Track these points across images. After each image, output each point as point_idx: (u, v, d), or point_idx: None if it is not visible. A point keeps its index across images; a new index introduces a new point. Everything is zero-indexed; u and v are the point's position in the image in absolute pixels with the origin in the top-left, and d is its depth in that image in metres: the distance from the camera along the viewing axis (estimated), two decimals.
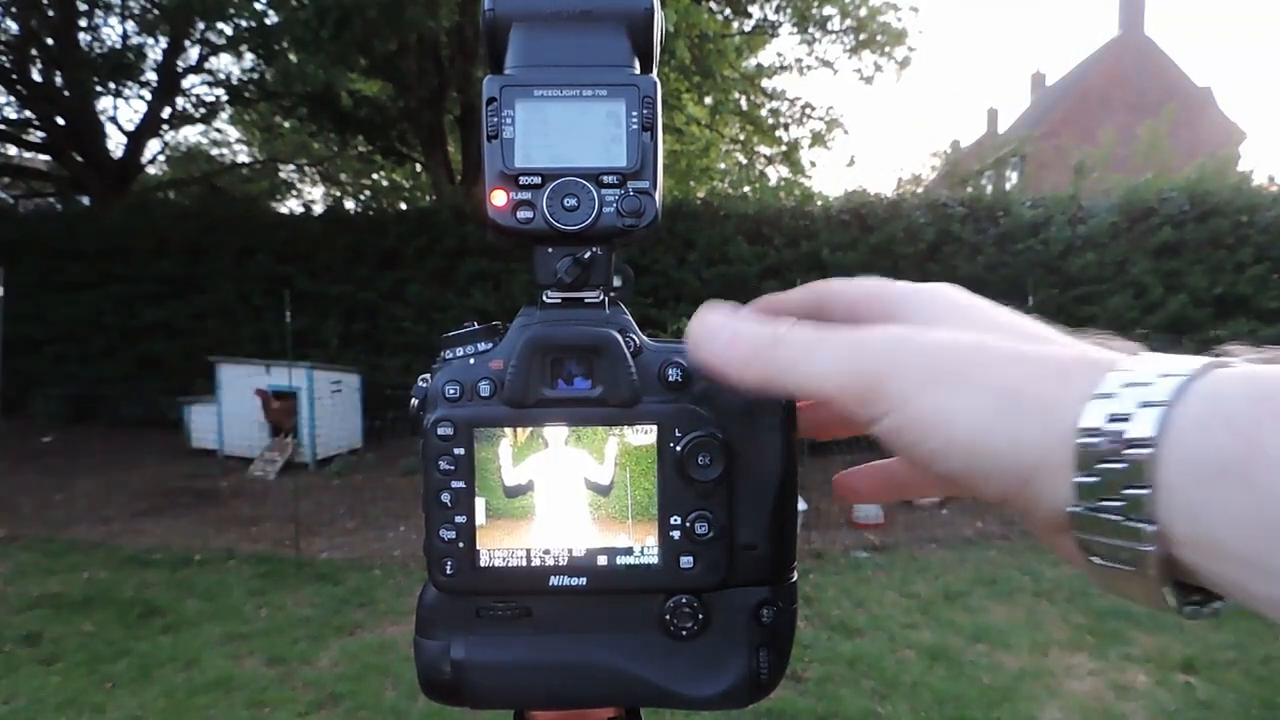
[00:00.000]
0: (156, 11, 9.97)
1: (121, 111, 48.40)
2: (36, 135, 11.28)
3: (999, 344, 0.30)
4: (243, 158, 16.87)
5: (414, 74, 9.45)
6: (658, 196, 0.39)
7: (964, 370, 0.29)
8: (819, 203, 8.34)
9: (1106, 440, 0.26)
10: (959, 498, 5.86)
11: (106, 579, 4.34)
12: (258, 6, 8.37)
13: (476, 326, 0.40)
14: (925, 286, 0.36)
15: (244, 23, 8.86)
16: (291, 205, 16.56)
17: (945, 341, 0.31)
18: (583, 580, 0.39)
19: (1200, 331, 7.16)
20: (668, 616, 0.39)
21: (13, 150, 12.96)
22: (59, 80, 10.58)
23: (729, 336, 0.35)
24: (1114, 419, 0.26)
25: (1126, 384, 0.27)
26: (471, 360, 0.39)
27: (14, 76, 10.27)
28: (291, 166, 15.96)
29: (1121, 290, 7.47)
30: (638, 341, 0.39)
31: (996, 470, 0.28)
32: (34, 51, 10.45)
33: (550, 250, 0.39)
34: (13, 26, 10.07)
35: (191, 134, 16.38)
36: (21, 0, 9.51)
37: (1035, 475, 0.28)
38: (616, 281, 0.41)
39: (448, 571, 0.38)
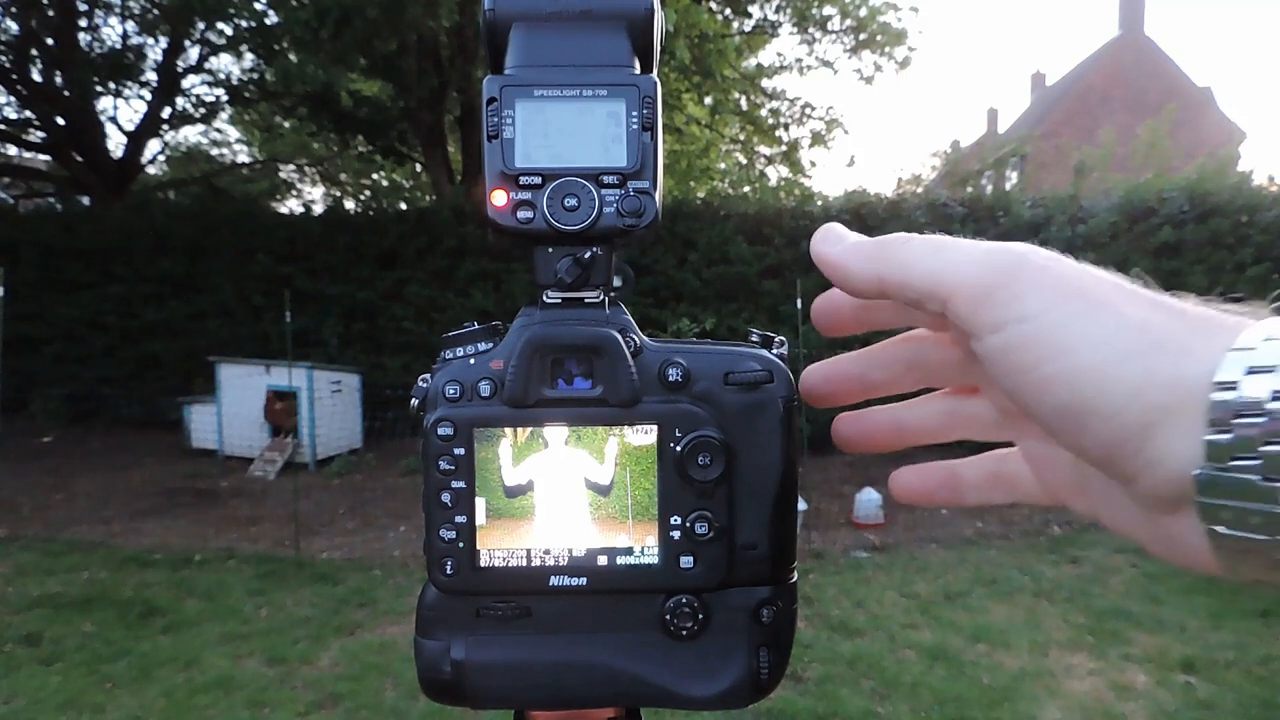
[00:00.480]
0: (156, 11, 9.96)
1: (121, 111, 48.46)
2: (36, 135, 11.28)
3: (1137, 290, 0.29)
4: (243, 158, 16.88)
5: (414, 74, 9.44)
6: (658, 196, 0.39)
7: (1099, 297, 0.28)
8: (819, 203, 8.34)
9: (1246, 386, 0.24)
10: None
11: (106, 579, 4.33)
12: (258, 6, 8.37)
13: (476, 326, 0.40)
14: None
15: (244, 23, 8.85)
16: (291, 205, 16.57)
17: (1085, 269, 0.29)
18: (583, 580, 0.39)
19: None
20: (668, 616, 0.39)
21: (13, 150, 12.96)
22: (59, 80, 10.58)
23: (855, 238, 0.35)
24: (1253, 371, 0.24)
25: (1267, 338, 0.25)
26: (472, 360, 0.39)
27: (14, 76, 10.26)
28: (291, 166, 15.96)
29: None
30: (638, 341, 0.39)
31: (1120, 408, 0.26)
32: (34, 51, 10.44)
33: (550, 250, 0.39)
34: (13, 26, 10.06)
35: (191, 134, 16.38)
36: (21, 0, 9.51)
37: (1161, 422, 0.26)
38: (617, 281, 0.41)
39: (448, 571, 0.39)
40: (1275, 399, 0.24)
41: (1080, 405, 0.27)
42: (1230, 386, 0.24)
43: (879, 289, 0.33)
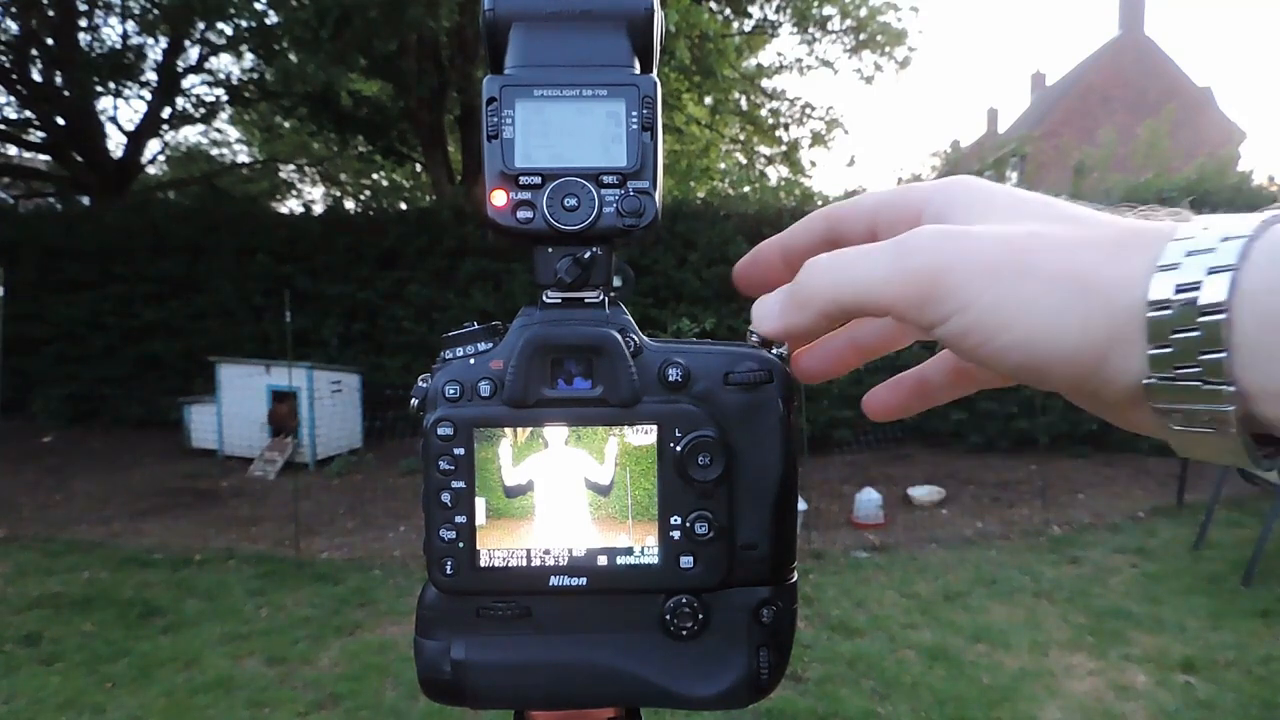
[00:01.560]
0: (156, 11, 9.96)
1: (121, 111, 48.51)
2: (36, 135, 11.28)
3: (1049, 230, 0.30)
4: (243, 158, 16.90)
5: (414, 74, 9.44)
6: (658, 196, 0.39)
7: (1021, 262, 0.29)
8: (819, 203, 8.34)
9: (1177, 309, 0.26)
10: (963, 493, 5.87)
11: (106, 579, 4.34)
12: (258, 6, 8.36)
13: (476, 326, 0.40)
14: (944, 182, 0.35)
15: (244, 23, 8.86)
16: (291, 205, 16.59)
17: (996, 235, 0.30)
18: (583, 580, 0.39)
19: None
20: (668, 616, 0.39)
21: (13, 150, 12.96)
22: (59, 80, 10.58)
23: (775, 297, 0.36)
24: (1181, 289, 0.26)
25: (1189, 252, 0.27)
26: (471, 360, 0.39)
27: (14, 76, 10.27)
28: (291, 166, 15.96)
29: None
30: (638, 341, 0.39)
31: (1069, 357, 0.28)
32: (34, 51, 10.45)
33: (550, 250, 0.39)
34: (13, 26, 10.07)
35: (191, 134, 16.42)
36: (21, 0, 9.50)
37: (1108, 355, 0.28)
38: (617, 281, 0.41)
39: (448, 571, 0.39)
40: (1204, 314, 0.26)
41: (1035, 363, 0.29)
42: (1164, 305, 0.27)
43: (832, 322, 0.35)
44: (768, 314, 0.36)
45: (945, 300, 0.30)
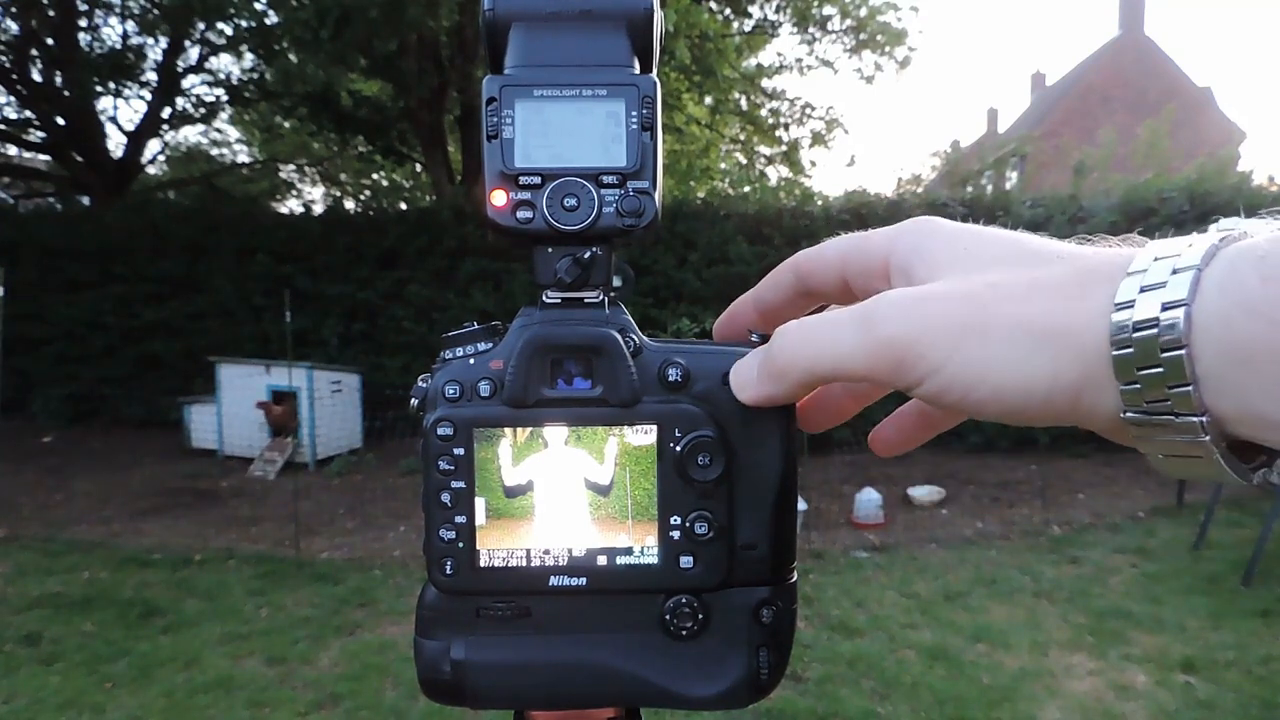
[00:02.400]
0: (156, 11, 9.96)
1: (121, 111, 48.49)
2: (36, 135, 11.28)
3: (1007, 279, 0.31)
4: (243, 158, 16.90)
5: (414, 74, 9.44)
6: (658, 196, 0.39)
7: (984, 319, 0.30)
8: (819, 203, 8.33)
9: (1139, 347, 0.27)
10: (958, 498, 5.87)
11: (106, 579, 4.34)
12: (258, 6, 8.37)
13: (476, 326, 0.40)
14: (905, 229, 0.36)
15: (244, 23, 8.86)
16: (291, 205, 16.59)
17: (957, 294, 0.31)
18: (582, 580, 0.39)
19: None
20: (667, 616, 0.39)
21: (13, 150, 12.96)
22: (59, 80, 10.58)
23: (751, 363, 0.37)
24: (1139, 326, 0.27)
25: (1142, 288, 0.28)
26: (471, 360, 0.39)
27: (14, 76, 10.26)
28: (291, 166, 15.96)
29: None
30: (637, 341, 0.39)
31: (1043, 402, 0.29)
32: (34, 51, 10.45)
33: (550, 250, 0.39)
34: (13, 26, 10.07)
35: (191, 134, 16.41)
36: (21, 0, 9.50)
37: (1081, 394, 0.29)
38: (616, 281, 0.41)
39: (448, 571, 0.39)
40: (1164, 350, 0.26)
41: (1013, 411, 0.30)
42: (1125, 345, 0.27)
43: (810, 390, 0.36)
44: (746, 383, 0.37)
45: (917, 365, 0.31)
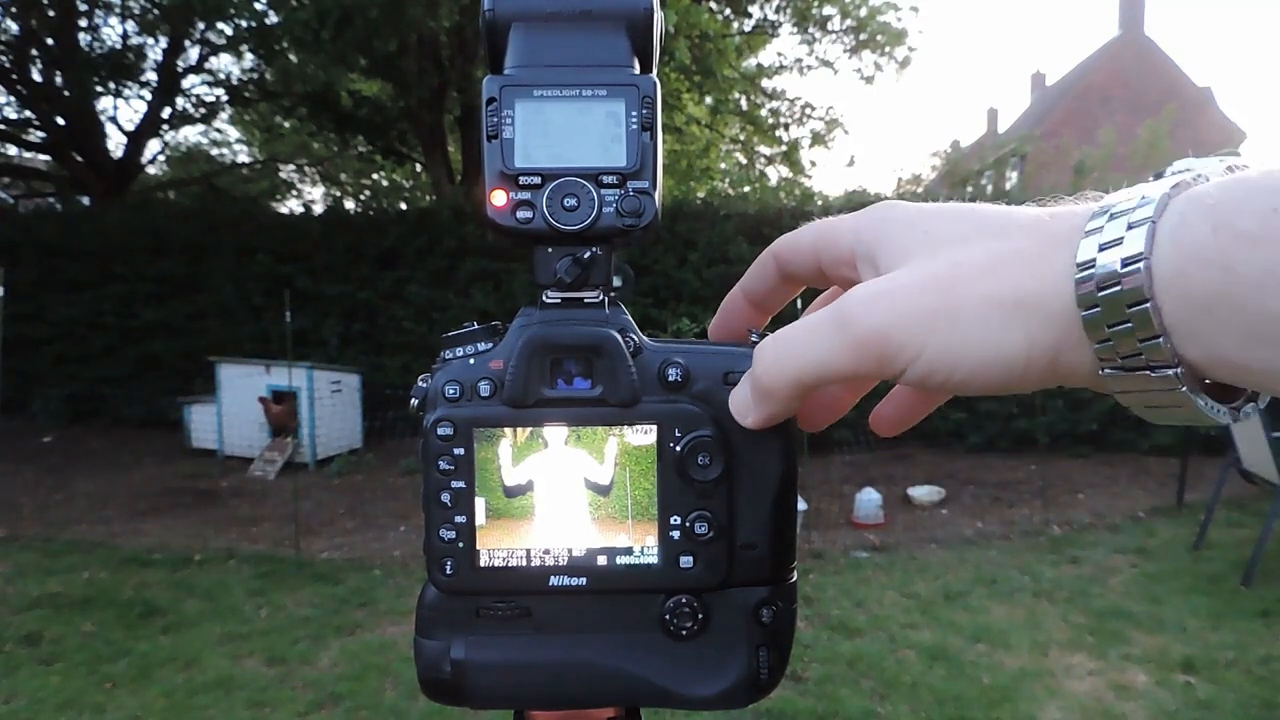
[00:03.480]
0: (156, 11, 9.95)
1: (121, 111, 48.44)
2: (36, 135, 11.28)
3: (970, 256, 0.31)
4: (243, 158, 16.89)
5: (414, 74, 9.44)
6: (658, 196, 0.39)
7: (953, 301, 0.31)
8: (819, 203, 8.34)
9: (1105, 305, 0.28)
10: (958, 498, 5.87)
11: (106, 579, 4.34)
12: (258, 6, 8.35)
13: (476, 326, 0.40)
14: (866, 215, 0.36)
15: (244, 23, 8.84)
16: (291, 205, 16.58)
17: (921, 280, 0.32)
18: (582, 580, 0.39)
19: None
20: (667, 616, 0.39)
21: (13, 150, 12.96)
22: (59, 80, 10.58)
23: (743, 391, 0.37)
24: (1103, 285, 0.28)
25: (1101, 246, 0.28)
26: (471, 360, 0.39)
27: (14, 76, 10.26)
28: (291, 166, 15.95)
29: None
30: (637, 341, 0.39)
31: (1024, 370, 0.30)
32: (34, 51, 10.44)
33: (550, 250, 0.39)
34: (13, 26, 10.06)
35: (191, 134, 16.40)
36: (21, 0, 9.50)
37: (1059, 357, 0.30)
38: (616, 281, 0.41)
39: (448, 571, 0.39)
40: (1130, 305, 0.27)
41: (997, 383, 0.31)
42: (1092, 305, 0.28)
43: (805, 399, 0.37)
44: (744, 410, 0.37)
45: (898, 356, 0.31)
